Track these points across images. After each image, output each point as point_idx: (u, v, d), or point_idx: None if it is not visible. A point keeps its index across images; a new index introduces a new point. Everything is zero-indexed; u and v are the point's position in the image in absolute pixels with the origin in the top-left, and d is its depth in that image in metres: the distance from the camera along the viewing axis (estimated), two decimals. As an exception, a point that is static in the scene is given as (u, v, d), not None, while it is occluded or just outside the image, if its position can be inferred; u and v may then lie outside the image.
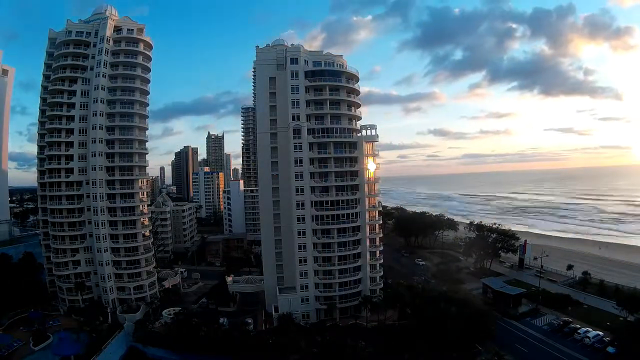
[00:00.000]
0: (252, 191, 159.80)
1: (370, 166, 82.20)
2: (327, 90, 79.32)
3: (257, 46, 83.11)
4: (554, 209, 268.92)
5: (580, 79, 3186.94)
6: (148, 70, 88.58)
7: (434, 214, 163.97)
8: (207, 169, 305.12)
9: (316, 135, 78.03)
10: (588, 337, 62.65)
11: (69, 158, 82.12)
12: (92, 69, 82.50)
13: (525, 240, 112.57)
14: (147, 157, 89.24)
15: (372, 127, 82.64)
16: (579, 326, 67.14)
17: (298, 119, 77.72)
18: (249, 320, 75.15)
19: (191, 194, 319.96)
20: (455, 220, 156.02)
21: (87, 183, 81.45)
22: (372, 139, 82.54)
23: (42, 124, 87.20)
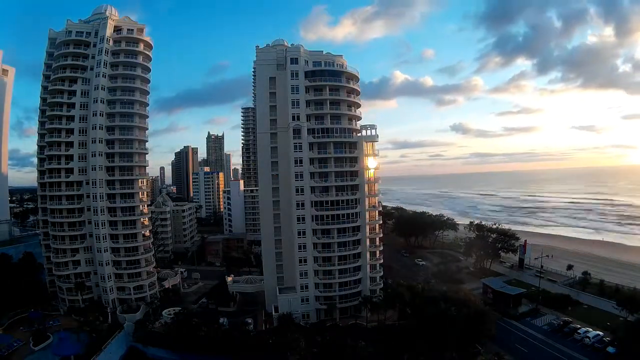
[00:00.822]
0: (252, 191, 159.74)
1: (371, 163, 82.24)
2: (327, 90, 79.31)
3: (257, 46, 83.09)
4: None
5: (626, 72, 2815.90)
6: (148, 70, 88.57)
7: (434, 213, 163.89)
8: (207, 169, 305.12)
9: (316, 135, 78.03)
10: (588, 337, 62.67)
11: (69, 158, 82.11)
12: (92, 69, 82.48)
13: (525, 240, 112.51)
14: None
15: (372, 127, 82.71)
16: (579, 326, 67.15)
17: (298, 119, 77.72)
18: (249, 320, 75.16)
19: (191, 194, 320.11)
20: (455, 220, 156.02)
21: (87, 183, 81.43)
22: (372, 139, 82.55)
23: (42, 124, 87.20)
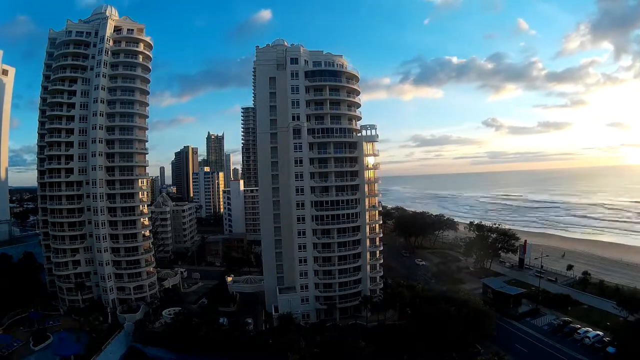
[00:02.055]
0: (252, 191, 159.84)
1: (370, 160, 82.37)
2: (327, 90, 79.31)
3: (257, 46, 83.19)
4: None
5: None
6: (148, 70, 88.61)
7: (434, 214, 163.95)
8: (207, 169, 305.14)
9: (316, 135, 78.03)
10: (588, 337, 62.60)
11: (69, 158, 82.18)
12: (92, 69, 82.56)
13: (526, 240, 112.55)
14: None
15: (372, 127, 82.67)
16: (579, 326, 67.07)
17: (298, 119, 77.73)
18: (249, 320, 75.30)
19: (191, 194, 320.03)
20: (455, 220, 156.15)
21: (87, 183, 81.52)
22: (372, 139, 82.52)
23: (42, 124, 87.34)
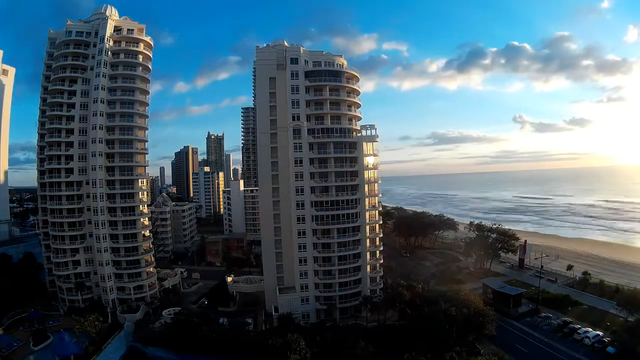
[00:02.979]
0: (252, 191, 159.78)
1: (370, 159, 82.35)
2: (327, 91, 79.39)
3: (257, 46, 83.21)
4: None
5: None
6: (148, 70, 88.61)
7: (434, 214, 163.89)
8: (207, 169, 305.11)
9: (316, 135, 78.06)
10: (588, 337, 62.64)
11: (69, 158, 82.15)
12: (92, 69, 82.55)
13: (526, 241, 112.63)
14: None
15: (372, 127, 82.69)
16: (579, 326, 67.13)
17: (298, 119, 77.75)
18: (249, 320, 75.23)
19: (191, 194, 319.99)
20: (455, 220, 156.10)
21: (87, 183, 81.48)
22: (372, 139, 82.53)
23: (42, 124, 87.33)
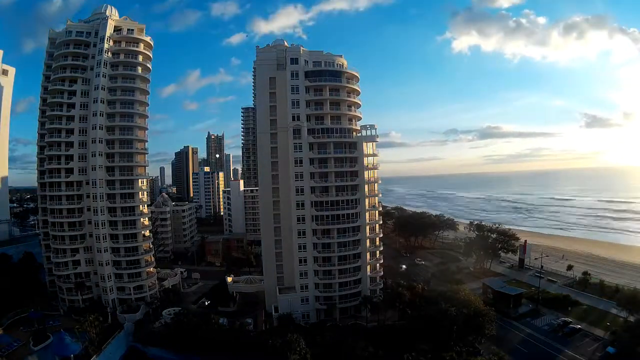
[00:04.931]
0: (252, 191, 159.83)
1: (370, 159, 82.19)
2: (327, 91, 79.35)
3: (257, 46, 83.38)
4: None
5: None
6: (148, 70, 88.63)
7: (434, 214, 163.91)
8: (207, 169, 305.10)
9: (316, 135, 78.04)
10: (588, 337, 62.60)
11: (69, 158, 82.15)
12: (92, 69, 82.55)
13: (526, 241, 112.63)
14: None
15: (372, 127, 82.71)
16: (579, 326, 67.19)
17: (298, 119, 77.75)
18: (249, 320, 75.22)
19: (191, 194, 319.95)
20: (455, 220, 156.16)
21: (87, 183, 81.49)
22: (372, 139, 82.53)
23: (42, 124, 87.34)
